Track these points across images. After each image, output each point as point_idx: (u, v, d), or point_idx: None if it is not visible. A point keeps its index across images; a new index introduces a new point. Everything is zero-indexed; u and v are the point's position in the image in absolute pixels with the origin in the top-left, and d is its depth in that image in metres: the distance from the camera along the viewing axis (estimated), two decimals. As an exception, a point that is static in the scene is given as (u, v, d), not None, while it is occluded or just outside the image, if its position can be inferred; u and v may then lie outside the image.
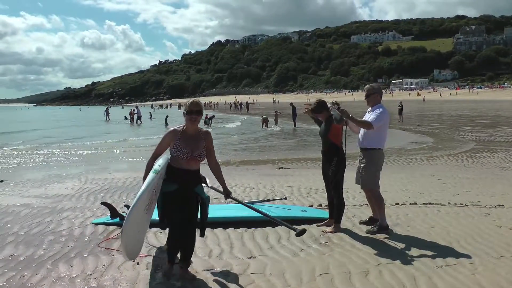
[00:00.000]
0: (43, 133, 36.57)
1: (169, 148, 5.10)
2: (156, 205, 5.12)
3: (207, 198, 5.23)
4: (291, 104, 40.97)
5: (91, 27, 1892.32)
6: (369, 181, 6.76)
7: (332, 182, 6.81)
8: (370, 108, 6.95)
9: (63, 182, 11.74)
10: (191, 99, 5.29)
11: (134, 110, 55.06)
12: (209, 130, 5.64)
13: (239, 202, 6.09)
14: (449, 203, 8.55)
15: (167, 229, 5.20)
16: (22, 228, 7.12)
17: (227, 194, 5.55)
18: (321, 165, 7.06)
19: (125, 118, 57.69)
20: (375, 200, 6.85)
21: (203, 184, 5.36)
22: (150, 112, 58.86)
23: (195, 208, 5.12)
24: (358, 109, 61.18)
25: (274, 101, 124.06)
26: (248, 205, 6.24)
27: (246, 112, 61.98)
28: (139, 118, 52.08)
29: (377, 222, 6.82)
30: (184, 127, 5.12)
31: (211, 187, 6.05)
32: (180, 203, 4.94)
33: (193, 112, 5.04)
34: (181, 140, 5.01)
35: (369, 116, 6.75)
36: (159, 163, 5.02)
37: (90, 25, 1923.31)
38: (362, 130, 6.82)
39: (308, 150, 20.24)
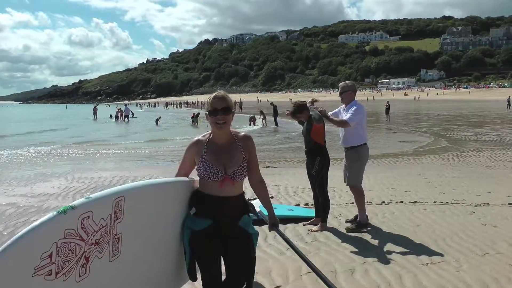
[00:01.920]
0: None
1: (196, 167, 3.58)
2: (184, 249, 3.51)
3: (255, 235, 3.69)
4: (271, 103, 41.05)
5: (78, 25, 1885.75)
6: (352, 178, 6.84)
7: (316, 181, 6.84)
8: (344, 106, 7.00)
9: (49, 180, 11.65)
10: (214, 93, 3.55)
11: (121, 108, 54.87)
12: (245, 133, 3.71)
13: (286, 239, 4.04)
14: (435, 202, 8.59)
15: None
16: (7, 227, 7.08)
17: (273, 224, 3.88)
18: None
19: (111, 116, 57.71)
20: (356, 195, 6.89)
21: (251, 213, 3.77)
22: (131, 111, 58.27)
23: (242, 253, 3.55)
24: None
25: (258, 100, 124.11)
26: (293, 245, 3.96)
27: (239, 110, 61.93)
28: (126, 116, 51.90)
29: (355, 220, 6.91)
30: (211, 135, 3.58)
31: (259, 214, 4.03)
32: (217, 250, 3.47)
33: (218, 112, 3.42)
34: (208, 154, 3.48)
35: (344, 114, 6.81)
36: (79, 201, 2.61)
37: (77, 22, 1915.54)
38: (341, 130, 6.91)
39: (295, 149, 20.24)
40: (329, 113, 7.02)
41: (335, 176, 9.24)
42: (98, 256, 2.62)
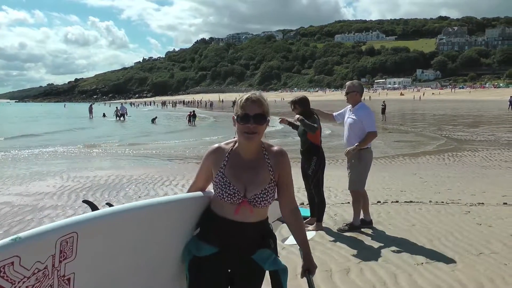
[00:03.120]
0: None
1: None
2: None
3: (283, 271, 2.86)
4: None
5: (74, 23, 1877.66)
6: (356, 182, 6.68)
7: (312, 181, 6.83)
8: (350, 106, 6.81)
9: (44, 179, 11.63)
10: (248, 94, 2.78)
11: (118, 107, 54.90)
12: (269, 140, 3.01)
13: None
14: (430, 201, 8.61)
15: None
16: (1, 226, 7.06)
17: (307, 268, 2.92)
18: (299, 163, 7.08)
19: (103, 115, 58.18)
20: (355, 199, 6.76)
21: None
22: (115, 109, 58.07)
23: None
24: (340, 108, 61.69)
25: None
26: None
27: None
28: (122, 115, 51.87)
29: (368, 223, 6.87)
30: (236, 145, 2.84)
31: (285, 242, 3.51)
32: (220, 284, 2.80)
33: (250, 119, 2.68)
34: (228, 167, 2.77)
35: (350, 115, 6.70)
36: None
37: (73, 20, 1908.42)
38: (347, 130, 6.74)
39: (288, 148, 20.22)
40: (334, 113, 7.26)
41: (331, 176, 9.26)
42: None
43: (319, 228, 6.78)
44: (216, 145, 2.89)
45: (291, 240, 3.18)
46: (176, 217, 2.73)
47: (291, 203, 2.90)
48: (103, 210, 2.39)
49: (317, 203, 6.88)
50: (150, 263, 2.66)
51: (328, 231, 6.74)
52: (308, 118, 6.65)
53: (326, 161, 7.05)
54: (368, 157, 6.69)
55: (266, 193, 2.74)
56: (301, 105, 6.79)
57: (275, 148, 2.87)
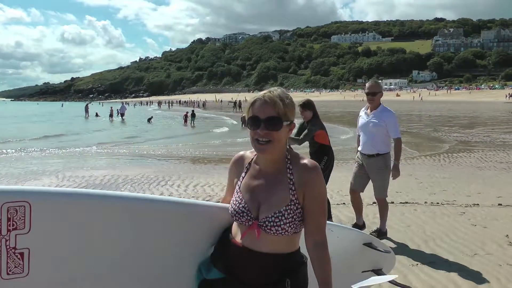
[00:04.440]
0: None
1: None
2: None
3: None
4: None
5: (71, 22, 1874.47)
6: (381, 189, 6.39)
7: None
8: (366, 108, 6.45)
9: (39, 179, 11.61)
10: (263, 91, 2.27)
11: (113, 107, 55.03)
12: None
13: None
14: (425, 202, 8.63)
15: None
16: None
17: None
18: None
19: (96, 114, 58.54)
20: (383, 207, 6.46)
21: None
22: (117, 109, 57.99)
23: None
24: (336, 109, 61.21)
25: (245, 100, 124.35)
26: None
27: (239, 110, 61.72)
28: (122, 114, 51.66)
29: (360, 227, 6.83)
30: (256, 155, 2.37)
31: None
32: None
33: (260, 122, 2.18)
34: (246, 180, 2.34)
35: (382, 124, 6.19)
36: None
37: (70, 19, 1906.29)
38: (367, 134, 6.33)
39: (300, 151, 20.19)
40: (358, 132, 6.62)
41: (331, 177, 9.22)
42: None
43: None
44: (241, 152, 2.48)
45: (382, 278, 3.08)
46: (186, 226, 2.40)
47: (316, 234, 2.22)
48: (79, 190, 2.26)
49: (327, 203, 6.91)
50: (143, 270, 2.36)
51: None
52: (316, 120, 6.82)
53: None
54: (390, 161, 6.39)
55: (280, 218, 2.16)
56: (310, 108, 6.84)
57: (304, 160, 2.26)
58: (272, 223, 2.16)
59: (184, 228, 2.39)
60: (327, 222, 2.36)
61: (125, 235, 2.27)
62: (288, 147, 2.32)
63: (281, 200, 2.19)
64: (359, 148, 6.51)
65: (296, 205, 2.19)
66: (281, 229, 2.16)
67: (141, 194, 2.49)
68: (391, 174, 6.25)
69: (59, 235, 2.11)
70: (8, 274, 2.05)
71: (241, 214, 2.24)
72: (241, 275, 2.22)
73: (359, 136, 6.61)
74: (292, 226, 2.18)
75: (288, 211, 2.17)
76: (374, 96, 6.19)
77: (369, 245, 3.35)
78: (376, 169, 6.29)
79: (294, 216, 2.18)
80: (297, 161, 2.25)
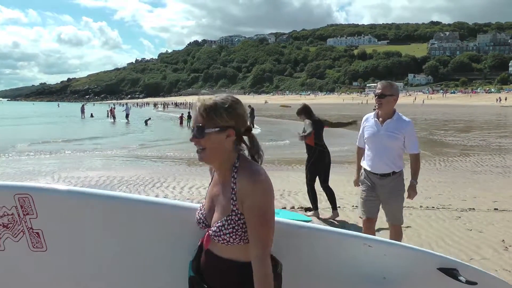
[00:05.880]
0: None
1: None
2: None
3: None
4: (249, 106, 41.05)
5: (68, 23, 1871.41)
6: (401, 214, 5.28)
7: (309, 174, 7.88)
8: (375, 116, 5.13)
9: (35, 179, 11.57)
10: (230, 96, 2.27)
11: (112, 107, 55.02)
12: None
13: None
14: (421, 206, 8.62)
15: None
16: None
17: None
18: (294, 167, 7.71)
19: (91, 115, 58.78)
20: (399, 234, 5.27)
21: None
22: (123, 110, 57.81)
23: None
24: (333, 112, 61.19)
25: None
26: None
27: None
28: (126, 115, 51.10)
29: None
30: None
31: None
32: None
33: (192, 131, 2.23)
34: (211, 186, 2.40)
35: (399, 136, 5.00)
36: None
37: (67, 20, 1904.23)
38: (379, 149, 5.07)
39: (281, 152, 20.19)
40: (360, 144, 5.42)
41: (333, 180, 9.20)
42: (13, 239, 2.65)
43: (315, 215, 7.82)
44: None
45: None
46: (179, 226, 2.58)
47: (254, 247, 2.11)
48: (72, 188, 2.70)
49: (312, 194, 7.89)
50: (138, 261, 2.67)
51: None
52: (311, 122, 7.71)
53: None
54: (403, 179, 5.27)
55: (221, 228, 2.15)
56: (303, 113, 7.89)
57: (248, 170, 2.17)
58: (215, 233, 2.16)
59: (177, 229, 2.60)
60: (368, 236, 2.40)
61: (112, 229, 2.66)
62: (250, 156, 2.27)
63: (223, 210, 2.18)
64: (367, 167, 5.18)
65: (238, 215, 2.15)
66: (222, 239, 2.15)
67: (136, 195, 2.78)
68: (406, 193, 5.18)
69: (58, 221, 2.61)
70: (33, 247, 2.63)
71: (199, 221, 2.33)
72: (206, 277, 2.28)
73: (360, 148, 5.43)
74: (234, 237, 2.14)
75: (229, 221, 2.14)
76: (382, 98, 4.92)
77: (449, 272, 2.64)
78: (393, 190, 5.12)
79: (236, 227, 2.14)
80: (243, 170, 2.17)
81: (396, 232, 5.21)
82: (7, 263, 2.68)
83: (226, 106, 2.16)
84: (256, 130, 34.92)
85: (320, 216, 7.85)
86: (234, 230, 2.14)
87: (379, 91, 4.92)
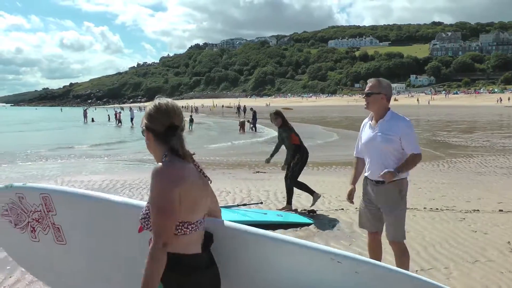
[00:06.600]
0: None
1: None
2: None
3: None
4: (251, 109, 41.04)
5: (70, 28, 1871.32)
6: (401, 229, 4.56)
7: (292, 172, 8.62)
8: (370, 119, 4.69)
9: (38, 183, 11.53)
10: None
11: (118, 111, 55.14)
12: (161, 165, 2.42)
13: None
14: (424, 208, 8.58)
15: None
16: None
17: None
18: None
19: (92, 120, 59.24)
20: (403, 254, 4.59)
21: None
22: (108, 115, 57.74)
23: None
24: (335, 114, 61.18)
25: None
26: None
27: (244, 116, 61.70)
28: (131, 119, 51.06)
29: None
30: None
31: None
32: None
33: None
34: None
35: (393, 137, 4.43)
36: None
37: (69, 25, 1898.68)
38: (375, 154, 4.55)
39: (283, 155, 20.13)
40: (357, 155, 4.91)
41: (325, 182, 9.21)
42: (43, 232, 3.17)
43: (288, 209, 8.44)
44: None
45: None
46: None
47: (152, 243, 2.25)
48: (83, 191, 3.25)
49: (288, 189, 8.59)
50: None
51: (323, 240, 6.69)
52: (285, 126, 8.80)
53: (321, 167, 7.58)
54: (407, 190, 4.64)
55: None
56: (280, 116, 8.83)
57: (158, 164, 2.40)
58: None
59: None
60: (338, 251, 2.49)
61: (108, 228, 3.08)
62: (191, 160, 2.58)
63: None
64: (366, 173, 4.72)
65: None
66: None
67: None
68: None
69: (73, 218, 3.10)
70: (57, 241, 3.14)
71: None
72: None
73: (357, 158, 4.94)
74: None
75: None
76: (368, 97, 4.51)
77: None
78: (389, 200, 4.48)
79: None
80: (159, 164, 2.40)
81: (398, 250, 4.57)
82: (40, 253, 3.25)
83: (150, 110, 2.50)
84: (259, 133, 35.03)
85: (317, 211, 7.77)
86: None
87: (366, 89, 4.55)
